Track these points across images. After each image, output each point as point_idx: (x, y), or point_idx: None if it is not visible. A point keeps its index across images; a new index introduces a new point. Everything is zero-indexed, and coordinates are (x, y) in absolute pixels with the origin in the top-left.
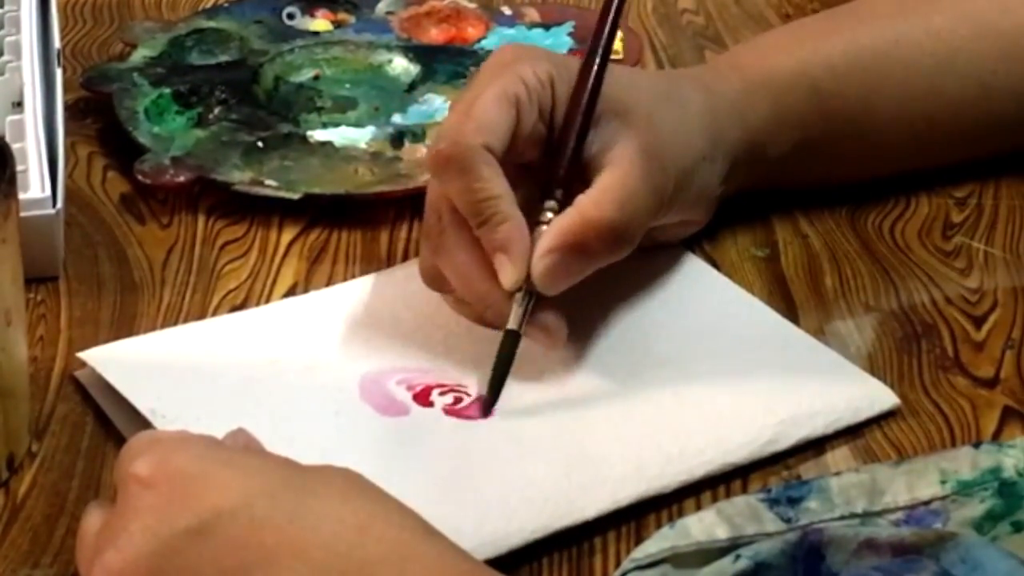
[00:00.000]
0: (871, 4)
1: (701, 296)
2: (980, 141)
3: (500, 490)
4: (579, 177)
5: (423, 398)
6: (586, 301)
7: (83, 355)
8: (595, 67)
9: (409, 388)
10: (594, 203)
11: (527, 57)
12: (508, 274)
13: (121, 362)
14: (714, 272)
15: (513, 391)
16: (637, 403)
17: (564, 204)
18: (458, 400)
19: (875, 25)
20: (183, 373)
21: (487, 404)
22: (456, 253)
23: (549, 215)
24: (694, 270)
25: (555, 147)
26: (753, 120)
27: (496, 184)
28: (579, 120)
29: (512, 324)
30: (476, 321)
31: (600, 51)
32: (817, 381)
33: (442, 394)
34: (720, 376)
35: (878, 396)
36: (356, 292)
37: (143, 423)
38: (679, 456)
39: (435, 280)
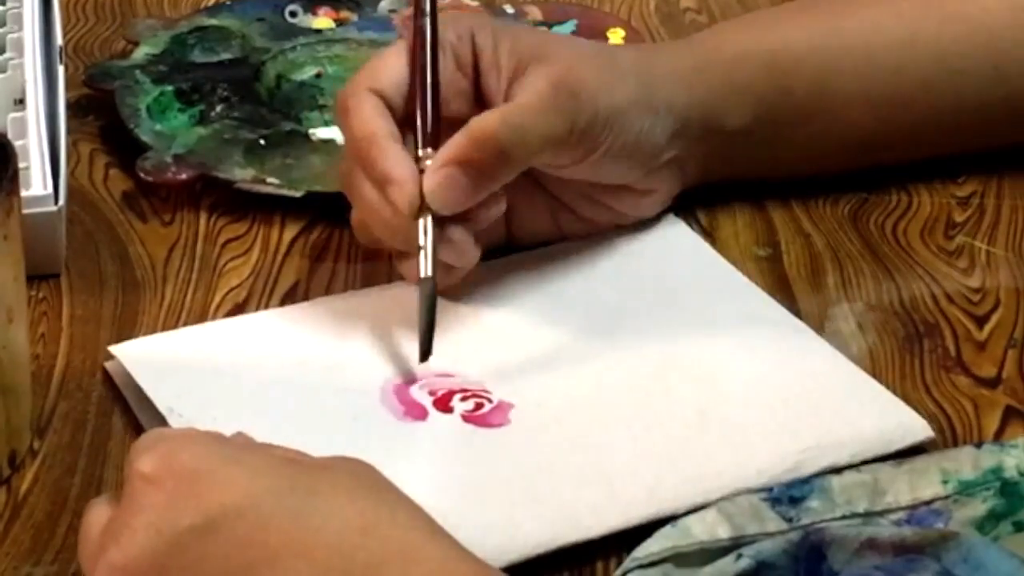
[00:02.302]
0: None
1: (735, 308)
2: (951, 129)
3: (507, 503)
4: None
5: (443, 403)
6: (615, 308)
7: (112, 349)
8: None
9: (431, 393)
10: (480, 119)
11: (447, 18)
12: (399, 198)
13: (148, 358)
14: (749, 283)
15: (535, 399)
16: (660, 419)
17: None
18: (479, 406)
19: (837, 10)
20: (206, 373)
21: (422, 356)
22: (360, 187)
23: (427, 162)
24: (729, 281)
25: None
26: (701, 88)
27: (373, 123)
28: (429, 71)
29: (424, 271)
30: (408, 275)
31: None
32: (849, 407)
33: (463, 399)
34: (748, 395)
35: (910, 427)
36: (386, 296)
37: (163, 421)
38: (696, 478)
39: (361, 231)
